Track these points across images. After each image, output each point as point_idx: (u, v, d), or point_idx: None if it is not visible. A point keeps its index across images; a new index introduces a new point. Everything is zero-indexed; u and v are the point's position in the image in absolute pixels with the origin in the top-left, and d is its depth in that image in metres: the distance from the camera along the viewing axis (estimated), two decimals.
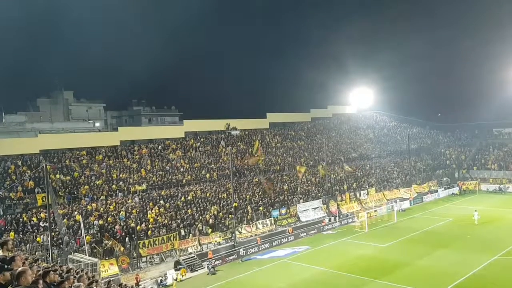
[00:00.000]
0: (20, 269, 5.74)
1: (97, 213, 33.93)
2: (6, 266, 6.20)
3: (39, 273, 7.37)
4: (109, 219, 33.76)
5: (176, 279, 29.89)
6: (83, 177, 38.17)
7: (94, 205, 35.02)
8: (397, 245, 35.69)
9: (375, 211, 48.51)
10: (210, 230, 36.38)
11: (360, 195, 51.16)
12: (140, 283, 28.87)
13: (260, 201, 42.78)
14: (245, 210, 40.64)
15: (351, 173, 54.44)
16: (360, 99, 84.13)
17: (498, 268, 28.08)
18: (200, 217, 37.48)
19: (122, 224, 33.55)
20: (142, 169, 42.05)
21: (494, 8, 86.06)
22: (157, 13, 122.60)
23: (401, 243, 36.20)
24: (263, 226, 40.49)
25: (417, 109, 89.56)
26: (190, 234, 35.37)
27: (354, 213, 47.42)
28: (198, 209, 38.67)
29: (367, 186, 53.41)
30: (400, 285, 25.84)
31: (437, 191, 58.73)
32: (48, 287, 6.85)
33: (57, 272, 9.69)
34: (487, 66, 78.26)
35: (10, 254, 7.92)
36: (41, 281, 6.24)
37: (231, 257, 34.85)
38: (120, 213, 34.71)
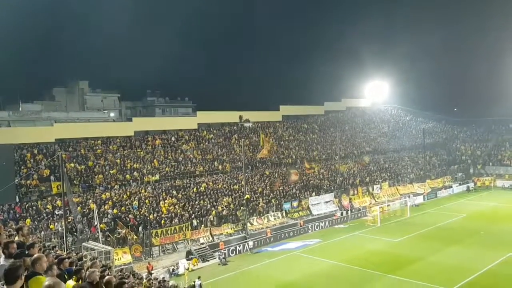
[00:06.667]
0: (35, 255, 5.81)
1: (111, 202, 34.37)
2: (26, 252, 6.29)
3: (55, 260, 7.47)
4: (122, 208, 34.18)
5: (187, 269, 30.15)
6: (97, 166, 38.62)
7: (108, 194, 35.47)
8: (410, 240, 35.45)
9: (388, 205, 48.19)
10: (222, 221, 36.56)
11: (373, 190, 50.84)
12: (152, 271, 29.20)
13: (272, 194, 42.82)
14: (257, 202, 40.73)
15: (365, 166, 54.37)
16: (375, 93, 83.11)
17: None
18: (212, 208, 37.72)
19: (135, 213, 33.94)
20: (155, 160, 42.35)
21: None
22: (171, 4, 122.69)
23: (413, 238, 35.94)
24: (275, 219, 40.57)
25: (433, 103, 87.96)
26: (202, 225, 35.64)
27: (366, 207, 47.20)
28: (210, 200, 38.90)
29: (380, 181, 53.04)
30: (411, 280, 25.65)
31: (451, 187, 58.04)
32: (63, 274, 6.94)
33: (72, 259, 9.84)
34: (505, 61, 76.34)
35: (25, 240, 8.05)
36: (55, 267, 6.32)
37: None
38: (134, 203, 35.10)
